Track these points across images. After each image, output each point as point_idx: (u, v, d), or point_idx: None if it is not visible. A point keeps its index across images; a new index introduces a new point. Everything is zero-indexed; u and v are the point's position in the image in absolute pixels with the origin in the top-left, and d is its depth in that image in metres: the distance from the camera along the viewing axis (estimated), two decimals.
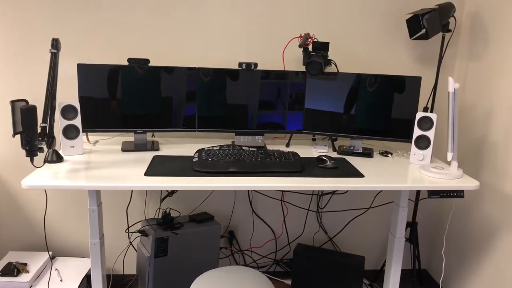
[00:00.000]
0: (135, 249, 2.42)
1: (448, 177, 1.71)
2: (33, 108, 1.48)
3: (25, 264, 2.12)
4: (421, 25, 2.08)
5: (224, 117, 2.07)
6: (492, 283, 2.04)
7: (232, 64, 2.23)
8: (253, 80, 2.04)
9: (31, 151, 1.50)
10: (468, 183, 1.68)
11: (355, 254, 2.31)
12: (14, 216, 2.31)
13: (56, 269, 2.18)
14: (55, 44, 1.67)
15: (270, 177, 1.63)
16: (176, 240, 2.07)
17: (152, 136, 2.23)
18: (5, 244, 2.34)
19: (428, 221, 2.61)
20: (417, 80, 1.98)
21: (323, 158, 1.82)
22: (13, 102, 1.50)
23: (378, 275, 2.58)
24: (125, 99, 1.95)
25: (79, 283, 2.09)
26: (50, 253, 2.30)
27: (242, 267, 1.78)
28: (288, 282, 2.44)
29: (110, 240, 2.40)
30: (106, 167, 1.68)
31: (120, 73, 1.92)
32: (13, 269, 2.04)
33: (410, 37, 2.18)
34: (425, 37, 2.11)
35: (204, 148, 1.85)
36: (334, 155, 2.02)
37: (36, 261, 2.17)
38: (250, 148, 1.87)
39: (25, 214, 2.31)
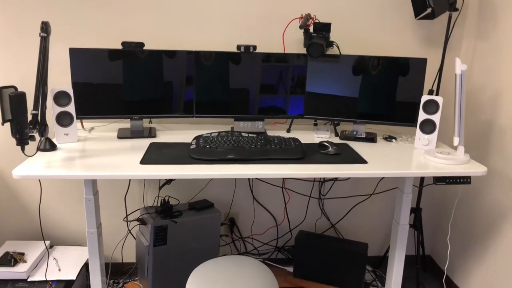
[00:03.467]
0: (134, 237, 2.38)
1: (454, 162, 1.66)
2: (22, 95, 1.42)
3: (23, 254, 2.08)
4: (427, 4, 2.00)
5: (223, 102, 2.01)
6: (498, 271, 2.00)
7: (230, 47, 2.16)
8: (254, 64, 1.97)
9: (21, 140, 1.45)
10: (475, 169, 1.62)
11: (358, 241, 2.28)
12: (11, 205, 2.27)
13: (54, 258, 2.16)
14: (45, 27, 1.60)
15: (270, 164, 1.58)
16: (175, 229, 2.03)
17: (149, 123, 2.18)
18: (2, 234, 2.31)
19: (433, 207, 2.56)
20: (422, 62, 1.91)
21: (325, 144, 1.77)
22: (1, 89, 1.44)
23: (382, 261, 2.55)
24: (121, 84, 1.89)
25: (77, 272, 2.06)
26: (48, 242, 2.27)
27: (241, 256, 1.75)
28: (290, 269, 2.41)
29: (108, 228, 2.37)
30: (101, 155, 1.63)
31: (115, 57, 1.86)
32: (10, 259, 2.01)
33: (415, 16, 2.10)
34: (431, 16, 2.03)
35: (202, 135, 1.80)
36: (336, 140, 1.96)
37: (33, 250, 2.14)
38: (250, 134, 1.82)
39: (22, 202, 2.27)
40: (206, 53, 1.94)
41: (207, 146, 1.68)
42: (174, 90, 1.95)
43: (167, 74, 1.93)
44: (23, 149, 1.47)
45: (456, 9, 2.05)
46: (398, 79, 1.94)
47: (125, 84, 1.89)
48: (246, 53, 1.95)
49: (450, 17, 2.07)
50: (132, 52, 1.87)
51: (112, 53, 1.85)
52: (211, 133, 1.82)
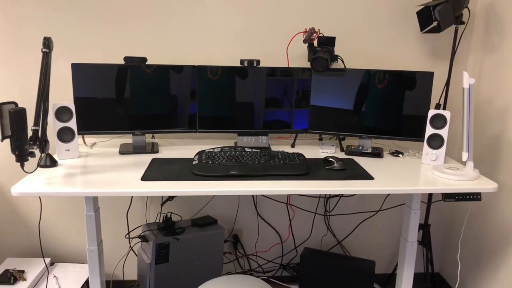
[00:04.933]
0: (135, 254, 2.34)
1: (463, 178, 1.61)
2: (22, 111, 1.41)
3: (23, 272, 2.05)
4: (433, 17, 1.98)
5: (226, 116, 1.98)
6: None
7: (233, 61, 2.14)
8: (258, 78, 1.95)
9: (21, 156, 1.43)
10: (485, 185, 1.58)
11: (365, 259, 2.22)
12: (12, 221, 2.25)
13: (54, 276, 2.12)
14: (47, 43, 1.59)
15: (274, 181, 1.55)
16: (177, 246, 1.99)
17: (152, 138, 2.15)
18: (3, 250, 2.28)
19: (441, 223, 2.50)
20: (429, 76, 1.87)
21: (330, 159, 1.73)
22: (0, 105, 1.42)
23: (389, 279, 2.48)
24: (123, 99, 1.87)
25: None
26: (49, 259, 2.23)
27: (244, 275, 1.69)
28: (295, 287, 2.35)
29: (110, 245, 2.33)
30: (102, 171, 1.61)
31: (117, 72, 1.84)
32: (9, 277, 1.98)
33: (421, 30, 2.07)
34: (437, 30, 2.00)
35: (204, 150, 1.77)
36: (342, 155, 1.92)
37: (34, 268, 2.11)
38: (253, 150, 1.78)
39: (23, 218, 2.25)
40: (212, 67, 1.92)
41: (210, 162, 1.64)
42: (178, 105, 1.93)
43: (171, 89, 1.91)
44: (22, 166, 1.45)
45: (462, 22, 2.02)
46: (405, 93, 1.90)
47: (127, 99, 1.88)
48: (250, 68, 1.93)
49: (456, 31, 2.04)
50: (134, 67, 1.85)
51: (114, 68, 1.84)
52: (213, 148, 1.79)
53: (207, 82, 1.93)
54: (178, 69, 1.90)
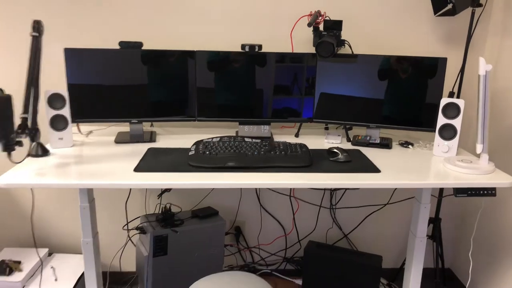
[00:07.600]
0: (134, 245, 2.29)
1: (477, 172, 1.50)
2: (8, 98, 1.34)
3: (19, 262, 2.01)
4: (447, 0, 1.85)
5: (227, 104, 1.89)
6: None
7: (234, 47, 2.04)
8: (260, 65, 1.85)
9: (7, 145, 1.37)
10: (500, 179, 1.47)
11: (372, 253, 2.13)
12: (9, 211, 2.21)
13: (52, 267, 2.07)
14: (37, 26, 1.51)
15: (273, 173, 1.46)
16: (176, 238, 1.93)
17: (151, 126, 2.08)
18: (0, 240, 2.24)
19: (453, 217, 2.39)
20: (442, 62, 1.76)
21: (335, 150, 1.63)
22: None
23: (398, 274, 2.39)
24: (119, 86, 1.79)
25: (74, 282, 1.97)
26: (46, 250, 2.18)
27: (242, 272, 1.62)
28: (299, 281, 2.28)
29: (108, 235, 2.28)
30: (95, 161, 1.54)
31: (113, 58, 1.76)
32: (5, 268, 1.94)
33: (435, 13, 1.96)
34: (451, 13, 1.89)
35: (202, 140, 1.69)
36: (348, 146, 1.83)
37: (31, 259, 2.07)
38: (254, 140, 1.70)
39: (20, 208, 2.20)
40: (214, 53, 1.83)
41: (207, 153, 1.56)
42: (179, 92, 1.85)
43: (166, 75, 1.82)
44: (9, 155, 1.38)
45: (480, 5, 1.89)
46: (416, 81, 1.79)
47: (124, 86, 1.80)
48: (251, 53, 1.84)
49: (473, 14, 1.92)
50: (131, 52, 1.77)
51: (110, 53, 1.76)
52: (212, 138, 1.71)
53: (206, 68, 1.84)
54: (182, 54, 1.81)
